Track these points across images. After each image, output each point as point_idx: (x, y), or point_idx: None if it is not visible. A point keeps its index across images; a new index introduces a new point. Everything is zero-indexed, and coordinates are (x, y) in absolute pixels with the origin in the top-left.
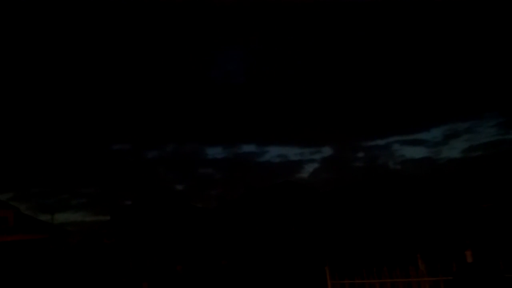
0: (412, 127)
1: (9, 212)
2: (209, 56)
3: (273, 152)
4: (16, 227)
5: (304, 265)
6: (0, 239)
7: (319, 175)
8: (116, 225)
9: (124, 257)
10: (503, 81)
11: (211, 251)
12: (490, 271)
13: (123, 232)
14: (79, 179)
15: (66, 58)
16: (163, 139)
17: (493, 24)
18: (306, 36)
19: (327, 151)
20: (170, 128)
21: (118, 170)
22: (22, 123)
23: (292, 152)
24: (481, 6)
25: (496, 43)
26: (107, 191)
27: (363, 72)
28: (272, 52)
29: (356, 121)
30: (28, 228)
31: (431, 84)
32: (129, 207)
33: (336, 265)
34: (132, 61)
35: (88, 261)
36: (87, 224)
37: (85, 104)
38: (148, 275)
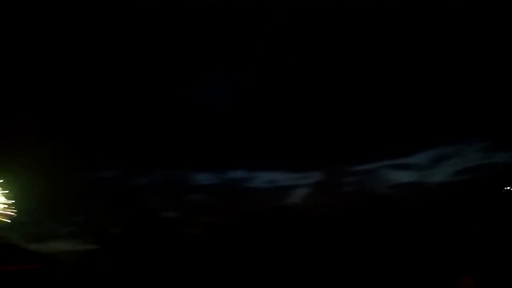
0: (400, 151)
1: None
2: (195, 81)
3: (262, 178)
4: (5, 258)
5: None
6: None
7: (310, 200)
8: (107, 254)
9: (119, 287)
10: (490, 105)
11: (204, 277)
12: None
13: (115, 261)
14: (66, 207)
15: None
16: (151, 166)
17: (479, 48)
18: (295, 59)
19: (316, 176)
20: (157, 154)
21: (105, 198)
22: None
23: (282, 177)
24: (467, 32)
25: (483, 68)
26: (95, 219)
27: (351, 98)
28: (260, 77)
29: (345, 145)
30: (19, 258)
31: (418, 108)
32: (119, 235)
33: None
34: (117, 85)
35: None
36: (76, 253)
37: (71, 130)
38: None
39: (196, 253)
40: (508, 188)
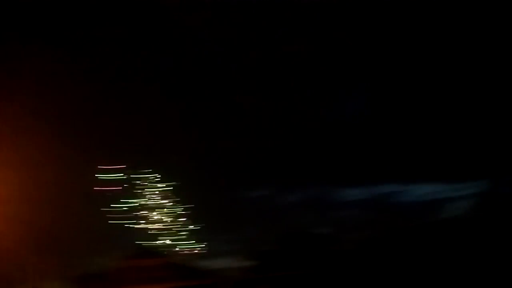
0: None
1: (165, 260)
2: (328, 94)
3: (417, 191)
4: (173, 275)
5: None
6: (160, 287)
7: (471, 212)
8: (263, 271)
9: None
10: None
11: None
12: None
13: (273, 278)
14: (224, 226)
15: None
16: (301, 183)
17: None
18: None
19: (480, 185)
20: (307, 171)
21: (260, 215)
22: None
23: (438, 189)
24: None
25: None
26: (251, 236)
27: None
28: (398, 85)
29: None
30: (184, 275)
31: None
32: (275, 252)
33: None
34: (267, 107)
35: None
36: (234, 270)
37: (223, 151)
38: None
39: (350, 269)
40: None
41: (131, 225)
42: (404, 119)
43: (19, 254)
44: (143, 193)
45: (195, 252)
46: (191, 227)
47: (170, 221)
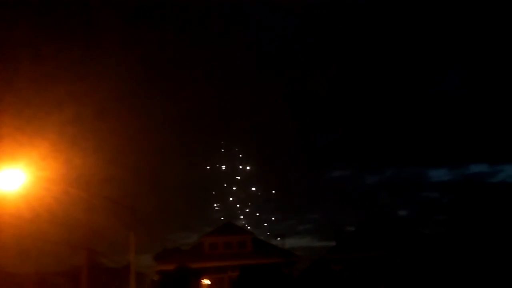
0: None
1: (248, 237)
2: (428, 73)
3: (509, 171)
4: (254, 251)
5: None
6: (241, 262)
7: None
8: (342, 251)
9: (352, 284)
10: None
11: (442, 280)
12: None
13: (349, 259)
14: (303, 206)
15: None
16: (383, 163)
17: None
18: None
19: None
20: (389, 151)
21: (339, 196)
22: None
23: None
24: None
25: None
26: (330, 217)
27: None
28: (492, 61)
29: None
30: (264, 252)
31: None
32: (353, 233)
33: None
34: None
35: (317, 286)
36: (313, 249)
37: (306, 133)
38: None
39: (429, 253)
40: None
41: (217, 203)
42: (497, 99)
43: (113, 227)
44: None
45: (277, 231)
46: (274, 206)
47: (254, 200)
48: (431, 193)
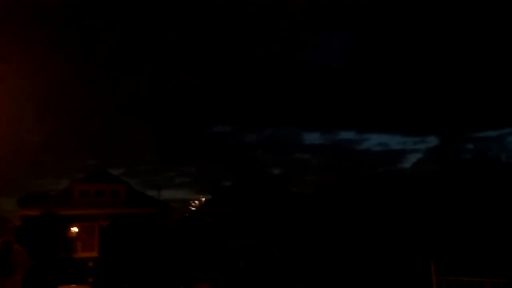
0: None
1: (122, 186)
2: (309, 40)
3: (374, 140)
4: (127, 201)
5: (403, 258)
6: (113, 211)
7: (423, 166)
8: (216, 205)
9: (223, 236)
10: None
11: (307, 236)
12: None
13: (223, 212)
14: (183, 159)
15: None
16: (262, 123)
17: None
18: (413, 18)
19: (432, 140)
20: (268, 112)
21: (218, 152)
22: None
23: (394, 141)
24: None
25: None
26: (208, 171)
27: (477, 56)
28: (375, 35)
29: (467, 109)
30: (138, 202)
31: None
32: (229, 187)
33: (440, 261)
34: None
35: (190, 237)
36: (189, 202)
37: (188, 87)
38: (245, 256)
39: (302, 212)
40: None
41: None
42: (371, 71)
43: None
44: None
45: (155, 182)
46: (153, 157)
47: (132, 148)
48: (303, 155)
